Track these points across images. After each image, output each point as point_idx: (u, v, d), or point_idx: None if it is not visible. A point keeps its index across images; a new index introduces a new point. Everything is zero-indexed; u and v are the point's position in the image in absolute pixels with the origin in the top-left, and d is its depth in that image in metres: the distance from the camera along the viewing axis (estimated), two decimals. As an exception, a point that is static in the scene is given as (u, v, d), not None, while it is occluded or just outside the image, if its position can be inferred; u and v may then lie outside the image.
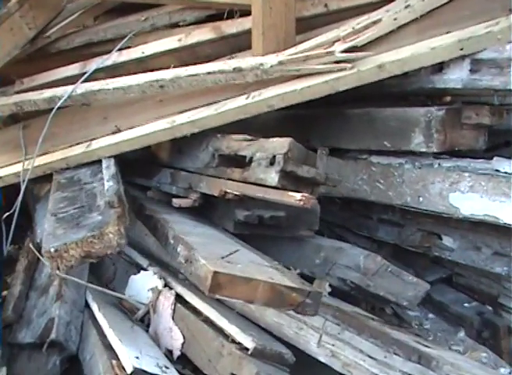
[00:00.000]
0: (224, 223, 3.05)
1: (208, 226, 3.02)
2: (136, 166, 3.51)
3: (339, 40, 2.89)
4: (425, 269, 3.39)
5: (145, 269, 3.06)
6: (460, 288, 3.43)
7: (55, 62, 3.71)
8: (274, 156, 2.62)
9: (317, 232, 3.20)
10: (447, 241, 3.06)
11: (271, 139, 2.72)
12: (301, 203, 2.49)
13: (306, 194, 2.52)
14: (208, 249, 2.46)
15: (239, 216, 2.89)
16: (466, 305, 3.29)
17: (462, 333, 3.13)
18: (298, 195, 2.51)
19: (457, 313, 3.25)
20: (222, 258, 2.34)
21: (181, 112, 3.12)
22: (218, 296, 2.18)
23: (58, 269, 2.53)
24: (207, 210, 3.18)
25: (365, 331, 2.59)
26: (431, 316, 3.28)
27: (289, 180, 2.62)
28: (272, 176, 2.60)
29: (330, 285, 2.95)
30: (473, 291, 3.38)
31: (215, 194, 2.89)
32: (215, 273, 2.13)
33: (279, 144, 2.63)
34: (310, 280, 2.97)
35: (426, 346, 2.57)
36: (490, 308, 3.26)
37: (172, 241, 2.61)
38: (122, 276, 3.18)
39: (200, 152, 3.10)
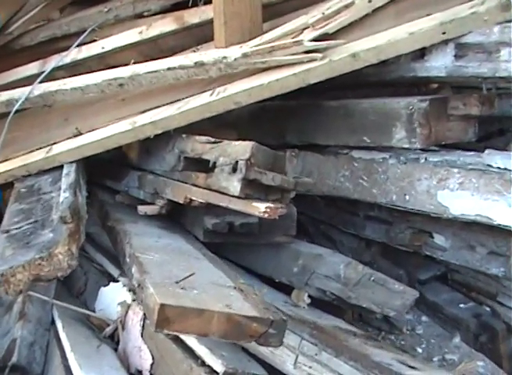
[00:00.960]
0: (194, 230, 2.75)
1: (175, 235, 2.71)
2: (107, 167, 3.19)
3: (308, 27, 2.52)
4: (418, 267, 3.06)
5: (116, 280, 2.72)
6: (456, 286, 3.12)
7: (20, 59, 3.33)
8: (237, 162, 2.29)
9: (302, 230, 2.89)
10: (439, 239, 2.71)
11: (234, 142, 2.39)
12: (266, 215, 2.19)
13: (271, 205, 2.21)
14: (164, 271, 2.13)
15: (207, 225, 2.59)
16: (462, 305, 2.97)
17: (457, 339, 2.81)
18: (262, 207, 2.21)
19: (453, 315, 2.94)
20: (177, 282, 1.99)
21: (143, 112, 2.78)
22: (166, 331, 1.83)
23: (7, 293, 2.22)
24: (178, 216, 2.88)
25: (344, 352, 2.25)
26: (424, 318, 2.96)
27: (254, 189, 2.29)
28: (235, 185, 2.27)
29: (309, 296, 2.62)
30: (470, 289, 3.07)
31: (181, 202, 2.57)
32: (162, 305, 1.80)
33: (242, 149, 2.29)
34: (289, 289, 2.71)
35: (412, 367, 2.23)
36: (488, 309, 2.93)
37: (128, 260, 2.31)
38: (93, 287, 2.87)
39: (167, 154, 2.77)
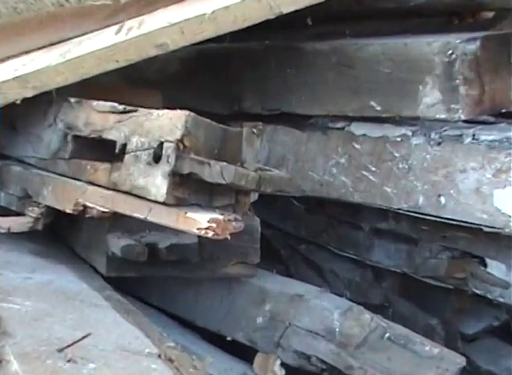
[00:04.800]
0: (92, 257, 2.69)
1: (60, 266, 2.63)
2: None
3: None
4: (462, 314, 2.97)
5: None
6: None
7: None
8: (161, 144, 2.18)
9: (269, 252, 2.85)
10: (496, 268, 2.64)
11: (156, 112, 2.29)
12: (210, 233, 2.09)
13: (219, 217, 2.12)
14: (39, 329, 2.04)
15: (113, 248, 2.51)
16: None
17: None
18: (204, 219, 2.09)
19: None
20: (61, 351, 1.89)
21: (3, 60, 2.66)
22: None
23: None
24: (64, 234, 2.85)
25: None
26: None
27: (190, 189, 2.19)
28: (158, 184, 2.16)
29: (283, 364, 2.55)
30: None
31: (68, 210, 2.48)
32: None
33: (169, 123, 2.19)
34: (250, 352, 2.65)
35: None
36: None
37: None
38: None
39: (45, 130, 2.71)
